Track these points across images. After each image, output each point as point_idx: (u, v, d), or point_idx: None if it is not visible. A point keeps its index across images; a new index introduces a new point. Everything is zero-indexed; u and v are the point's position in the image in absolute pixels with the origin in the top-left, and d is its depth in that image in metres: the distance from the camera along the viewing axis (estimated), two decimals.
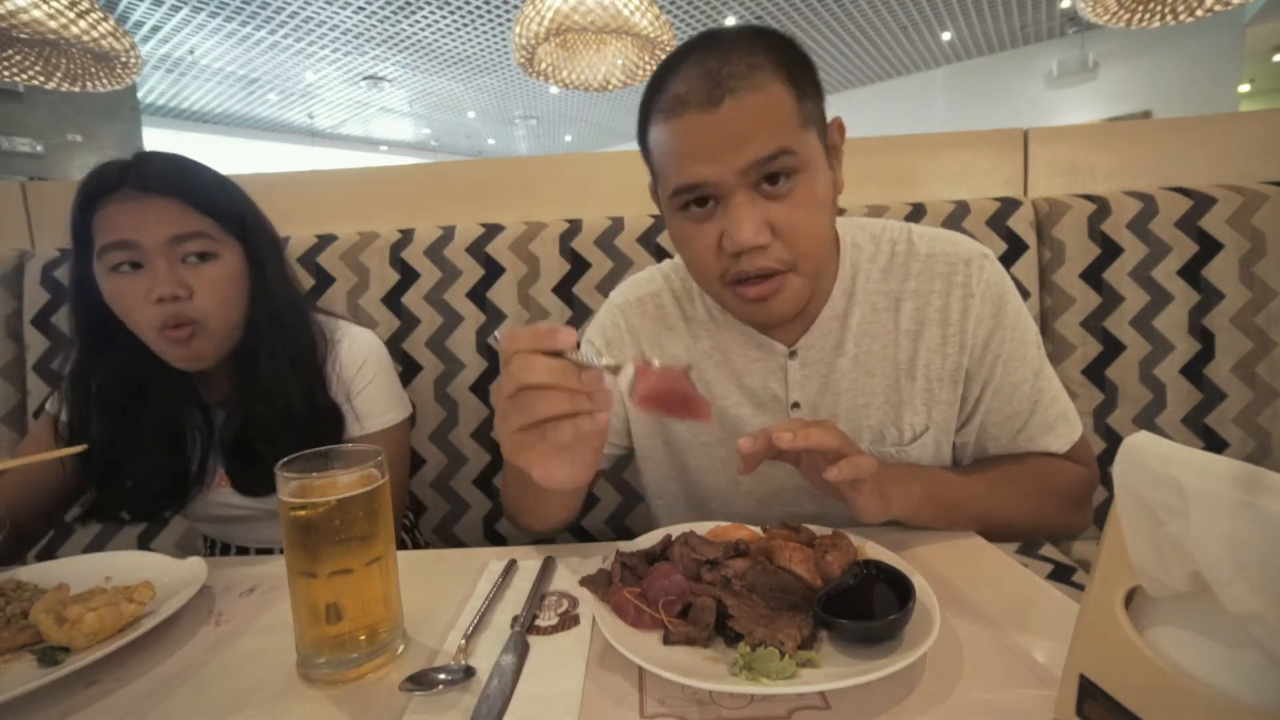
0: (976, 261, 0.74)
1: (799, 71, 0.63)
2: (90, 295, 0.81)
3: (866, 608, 0.50)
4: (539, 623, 0.57)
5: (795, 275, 0.66)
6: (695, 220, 0.64)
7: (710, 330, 0.81)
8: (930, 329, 0.75)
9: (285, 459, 0.52)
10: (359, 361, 0.91)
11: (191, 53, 7.29)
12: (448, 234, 1.25)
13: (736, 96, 0.59)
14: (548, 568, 0.67)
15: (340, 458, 0.54)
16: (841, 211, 1.21)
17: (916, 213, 1.21)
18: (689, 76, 0.61)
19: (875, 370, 0.76)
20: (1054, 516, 0.77)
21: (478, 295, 1.22)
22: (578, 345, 0.49)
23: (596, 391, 0.50)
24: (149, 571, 0.66)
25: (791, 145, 0.60)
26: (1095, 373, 1.18)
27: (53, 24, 2.43)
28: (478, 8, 6.40)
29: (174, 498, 0.87)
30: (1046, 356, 0.78)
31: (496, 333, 0.53)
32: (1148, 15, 2.65)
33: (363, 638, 0.52)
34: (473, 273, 1.22)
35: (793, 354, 0.77)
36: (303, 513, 0.50)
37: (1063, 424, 0.77)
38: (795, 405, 0.78)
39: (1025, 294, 1.18)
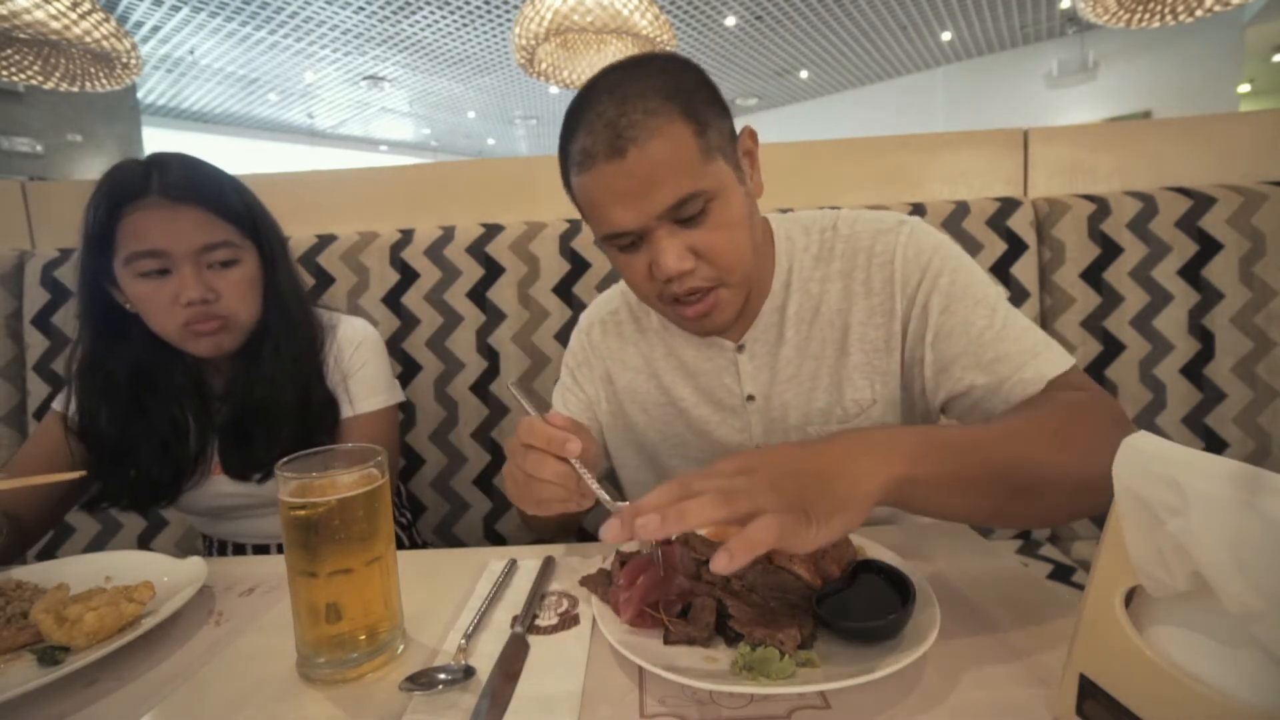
0: (893, 230, 0.76)
1: (697, 101, 0.65)
2: (100, 291, 0.83)
3: (867, 608, 0.50)
4: (539, 623, 0.57)
5: (725, 289, 0.70)
6: (626, 252, 0.69)
7: (664, 337, 0.85)
8: (858, 303, 0.77)
9: (285, 459, 0.52)
10: (354, 344, 0.94)
11: (191, 53, 7.29)
12: (448, 234, 1.25)
13: (638, 145, 0.62)
14: (548, 568, 0.67)
15: (340, 458, 0.54)
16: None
17: (916, 213, 1.21)
18: (592, 129, 0.63)
19: (816, 354, 0.79)
20: (1085, 447, 0.56)
21: (478, 295, 1.22)
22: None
23: (585, 491, 0.59)
24: (149, 571, 0.66)
25: (697, 187, 0.64)
26: (1095, 373, 1.18)
27: (55, 25, 2.43)
28: (478, 8, 6.39)
29: (173, 486, 0.89)
30: (1010, 304, 0.73)
31: (512, 385, 0.64)
32: (1148, 15, 2.65)
33: (363, 637, 0.52)
34: (473, 273, 1.22)
35: (740, 348, 0.80)
36: (303, 513, 0.50)
37: (1048, 350, 0.68)
38: (750, 398, 0.81)
39: (1025, 294, 1.18)
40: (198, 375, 0.91)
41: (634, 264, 0.69)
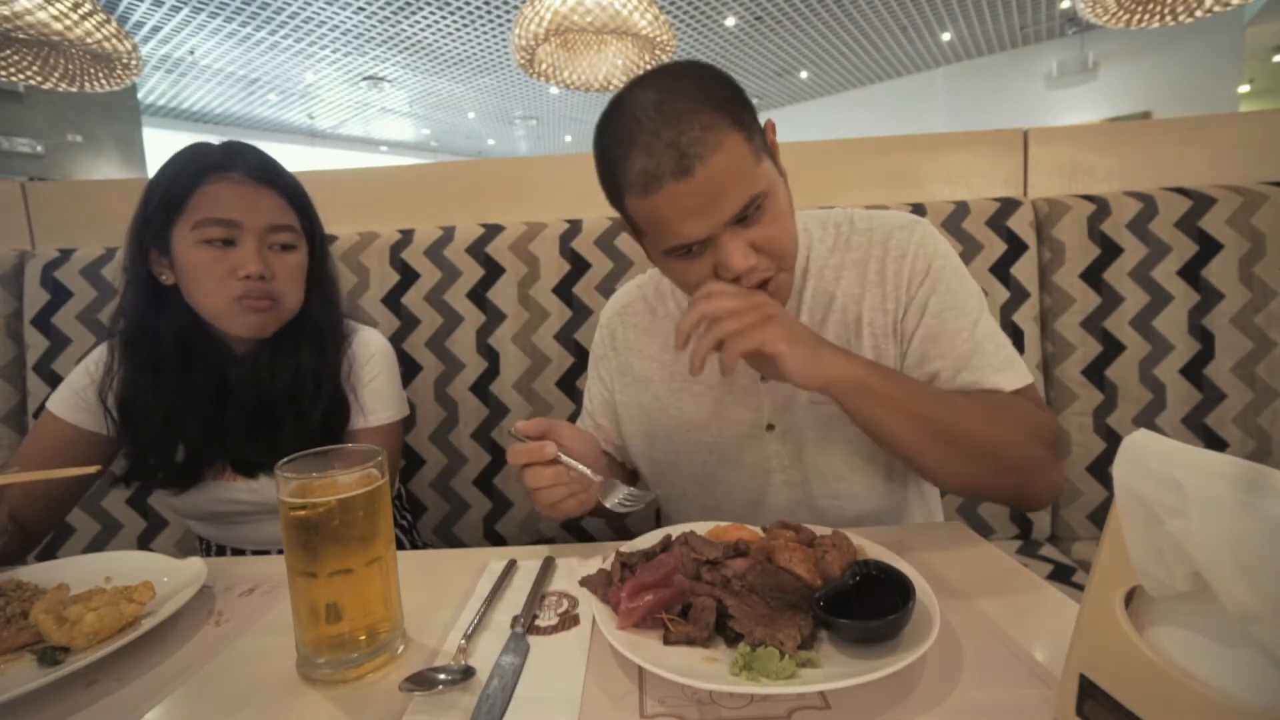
0: (908, 227, 0.82)
1: (738, 108, 0.67)
2: (145, 261, 0.86)
3: (866, 608, 0.50)
4: (539, 623, 0.57)
5: (783, 273, 0.73)
6: (689, 260, 0.71)
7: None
8: (871, 290, 0.81)
9: (285, 459, 0.52)
10: (369, 356, 0.96)
11: (191, 53, 7.29)
12: (448, 234, 1.25)
13: (703, 162, 0.64)
14: (548, 568, 0.67)
15: (340, 458, 0.54)
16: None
17: (916, 213, 1.20)
18: (652, 150, 0.64)
19: (828, 335, 0.82)
20: (1021, 441, 0.71)
21: (478, 295, 1.22)
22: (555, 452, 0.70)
23: (581, 479, 0.70)
24: (149, 571, 0.66)
25: (756, 190, 0.67)
26: (1095, 373, 1.18)
27: (57, 25, 2.43)
28: (478, 8, 6.40)
29: (186, 474, 0.90)
30: (993, 317, 0.80)
31: (511, 430, 0.72)
32: (1148, 15, 2.65)
33: (363, 638, 0.52)
34: (473, 273, 1.22)
35: None
36: (303, 513, 0.50)
37: (1010, 369, 0.77)
38: (764, 378, 0.83)
39: (1025, 294, 1.18)
40: (218, 367, 0.91)
41: (695, 268, 0.71)
